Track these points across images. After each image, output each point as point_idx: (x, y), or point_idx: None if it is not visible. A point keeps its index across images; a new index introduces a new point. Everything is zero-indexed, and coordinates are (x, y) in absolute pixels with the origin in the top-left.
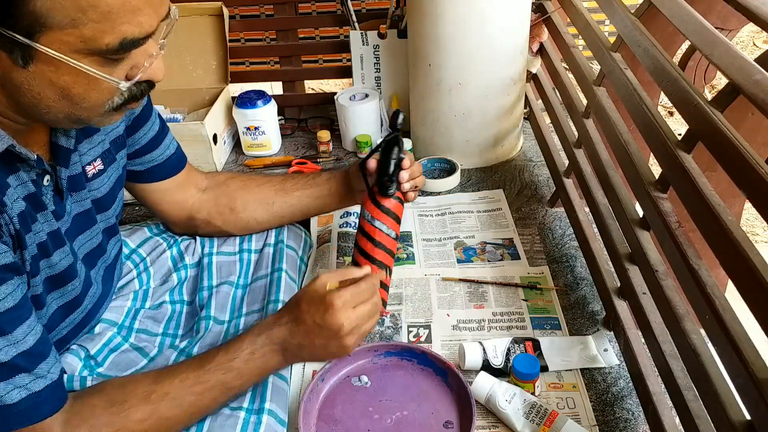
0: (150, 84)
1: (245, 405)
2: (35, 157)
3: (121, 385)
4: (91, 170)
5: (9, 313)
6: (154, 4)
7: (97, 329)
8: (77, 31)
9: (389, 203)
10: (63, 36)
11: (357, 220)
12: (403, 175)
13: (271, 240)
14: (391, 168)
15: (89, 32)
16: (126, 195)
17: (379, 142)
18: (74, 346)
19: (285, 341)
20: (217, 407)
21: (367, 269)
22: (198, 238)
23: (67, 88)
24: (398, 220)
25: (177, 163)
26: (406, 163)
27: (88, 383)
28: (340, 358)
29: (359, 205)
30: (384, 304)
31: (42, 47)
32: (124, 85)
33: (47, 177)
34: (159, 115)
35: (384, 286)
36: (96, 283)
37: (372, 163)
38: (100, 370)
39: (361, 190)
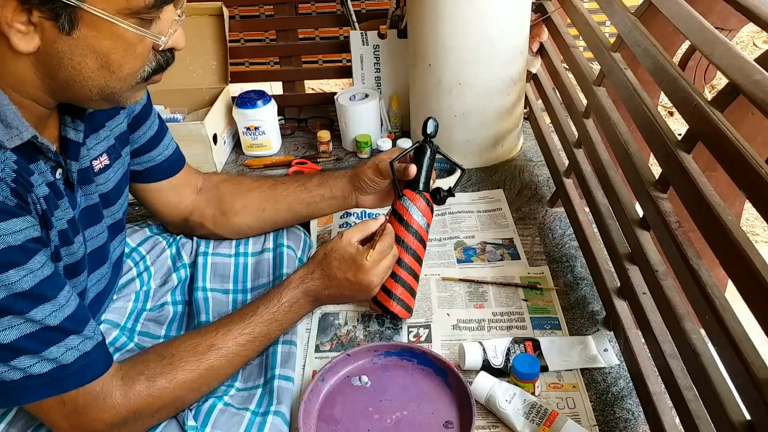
0: (172, 54)
1: (252, 407)
2: (54, 148)
3: (167, 344)
4: (97, 165)
5: (50, 280)
6: None
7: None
8: None
9: (434, 206)
10: None
11: (357, 221)
12: (442, 182)
13: (270, 244)
14: (424, 174)
15: None
16: (129, 195)
17: (410, 146)
18: None
19: (317, 292)
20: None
21: (381, 219)
22: (195, 237)
23: (107, 53)
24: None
25: (175, 163)
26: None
27: None
28: (346, 344)
29: (358, 208)
30: (413, 294)
31: (89, 6)
32: (163, 40)
33: (59, 170)
34: (158, 115)
35: (415, 276)
36: (97, 279)
37: (413, 169)
38: None
39: (371, 192)
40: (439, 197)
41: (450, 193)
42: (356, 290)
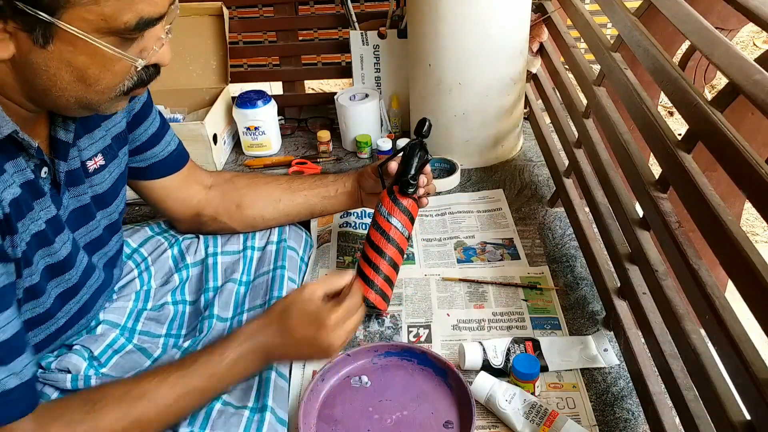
0: (157, 69)
1: (249, 404)
2: (36, 145)
3: (101, 386)
4: (92, 165)
5: None
6: None
7: (99, 330)
8: (98, 8)
9: (407, 202)
10: (84, 13)
11: (357, 220)
12: (423, 178)
13: (274, 238)
14: (413, 170)
15: (109, 10)
16: (128, 195)
17: (402, 146)
18: (77, 346)
19: (270, 348)
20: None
21: (350, 275)
22: (201, 237)
23: (83, 68)
24: (412, 221)
25: (179, 159)
26: (427, 168)
27: (93, 383)
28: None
29: (362, 207)
30: (387, 300)
31: (64, 24)
32: (140, 63)
33: (45, 168)
34: (159, 112)
35: (390, 283)
36: (98, 270)
37: (393, 165)
38: (103, 370)
39: (372, 192)
40: (405, 189)
41: (413, 180)
42: (315, 350)
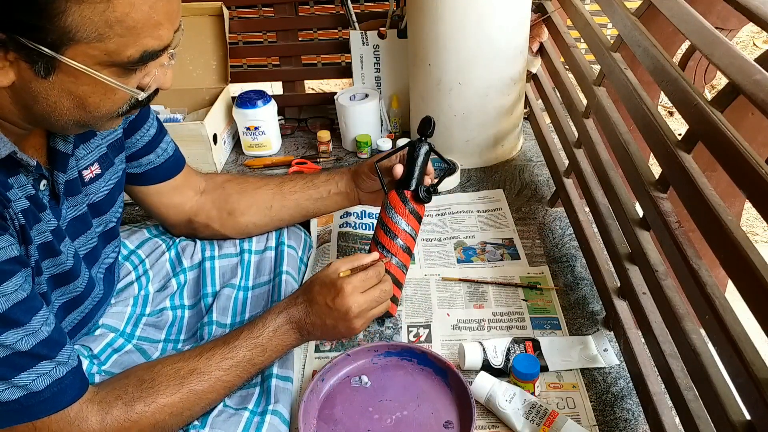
0: (156, 91)
1: (250, 407)
2: (35, 162)
3: (149, 367)
4: (87, 174)
5: (23, 304)
6: (172, 18)
7: (97, 333)
8: (102, 45)
9: (416, 205)
10: (88, 49)
11: (357, 221)
12: (427, 179)
13: (272, 243)
14: (417, 172)
15: (113, 46)
16: (126, 196)
17: (401, 145)
18: (77, 346)
19: (301, 320)
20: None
21: (374, 255)
22: (197, 240)
23: (84, 97)
24: (420, 222)
25: (174, 165)
26: (430, 169)
27: (96, 380)
28: (346, 344)
29: (360, 206)
30: (397, 302)
31: (67, 60)
32: (143, 96)
33: (44, 182)
34: (157, 118)
35: (399, 285)
36: (98, 285)
37: (399, 168)
38: (104, 367)
39: (371, 191)
40: (421, 196)
41: (432, 190)
42: (336, 318)
